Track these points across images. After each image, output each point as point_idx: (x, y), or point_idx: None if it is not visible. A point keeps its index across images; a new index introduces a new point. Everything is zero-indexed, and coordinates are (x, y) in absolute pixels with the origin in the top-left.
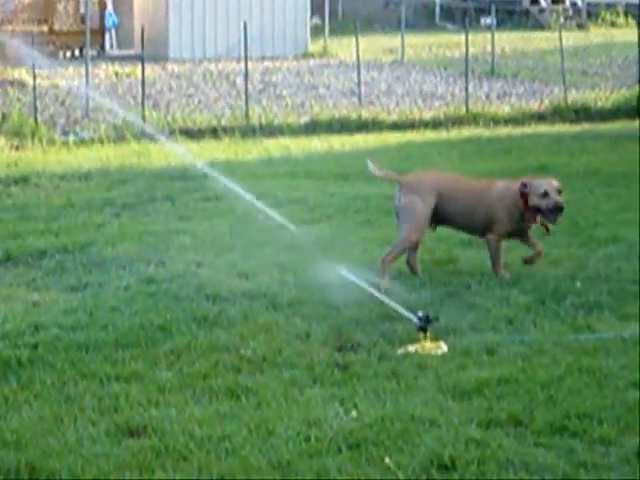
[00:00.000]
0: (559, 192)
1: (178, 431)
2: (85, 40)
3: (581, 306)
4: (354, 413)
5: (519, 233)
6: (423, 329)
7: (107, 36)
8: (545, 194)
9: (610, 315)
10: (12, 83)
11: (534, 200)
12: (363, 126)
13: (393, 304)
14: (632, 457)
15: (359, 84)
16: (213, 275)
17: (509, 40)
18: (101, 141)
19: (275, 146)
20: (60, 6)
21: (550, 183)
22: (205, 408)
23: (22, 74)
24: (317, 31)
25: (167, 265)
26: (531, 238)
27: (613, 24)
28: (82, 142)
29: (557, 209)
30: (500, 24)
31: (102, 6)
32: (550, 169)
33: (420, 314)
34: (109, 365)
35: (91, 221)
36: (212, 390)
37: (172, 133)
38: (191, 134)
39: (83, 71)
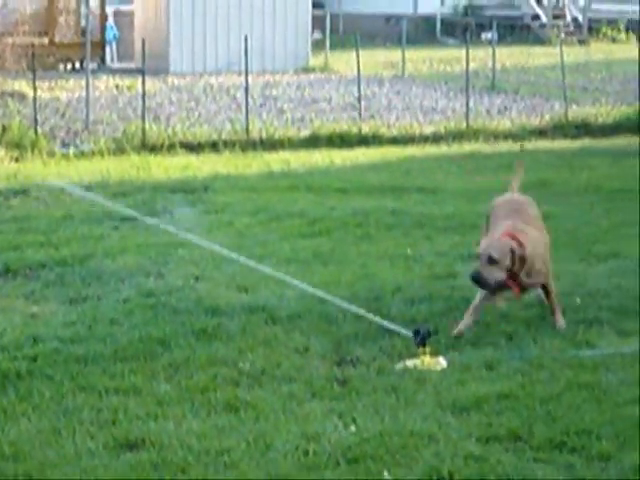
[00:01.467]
0: None
1: (176, 445)
2: (86, 52)
3: (581, 322)
4: (353, 427)
5: None
6: (422, 344)
7: (108, 49)
8: None
9: (609, 331)
10: (12, 95)
11: None
12: (363, 140)
13: (382, 321)
14: (631, 473)
15: (359, 98)
16: (212, 288)
17: (510, 55)
18: (101, 153)
19: (275, 160)
20: (61, 19)
21: None
22: (203, 421)
23: (22, 86)
24: (318, 45)
25: (166, 278)
26: None
27: (614, 40)
28: (82, 154)
29: None
30: (501, 39)
31: (103, 19)
32: (551, 185)
33: (419, 328)
34: (108, 378)
35: (90, 233)
36: (211, 403)
37: (172, 146)
38: (191, 147)
39: (84, 83)
